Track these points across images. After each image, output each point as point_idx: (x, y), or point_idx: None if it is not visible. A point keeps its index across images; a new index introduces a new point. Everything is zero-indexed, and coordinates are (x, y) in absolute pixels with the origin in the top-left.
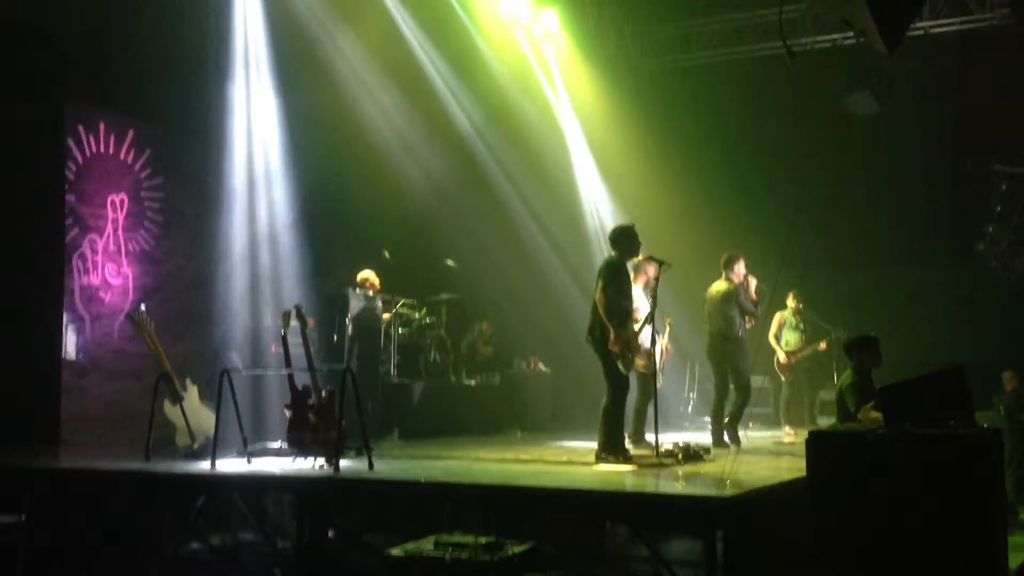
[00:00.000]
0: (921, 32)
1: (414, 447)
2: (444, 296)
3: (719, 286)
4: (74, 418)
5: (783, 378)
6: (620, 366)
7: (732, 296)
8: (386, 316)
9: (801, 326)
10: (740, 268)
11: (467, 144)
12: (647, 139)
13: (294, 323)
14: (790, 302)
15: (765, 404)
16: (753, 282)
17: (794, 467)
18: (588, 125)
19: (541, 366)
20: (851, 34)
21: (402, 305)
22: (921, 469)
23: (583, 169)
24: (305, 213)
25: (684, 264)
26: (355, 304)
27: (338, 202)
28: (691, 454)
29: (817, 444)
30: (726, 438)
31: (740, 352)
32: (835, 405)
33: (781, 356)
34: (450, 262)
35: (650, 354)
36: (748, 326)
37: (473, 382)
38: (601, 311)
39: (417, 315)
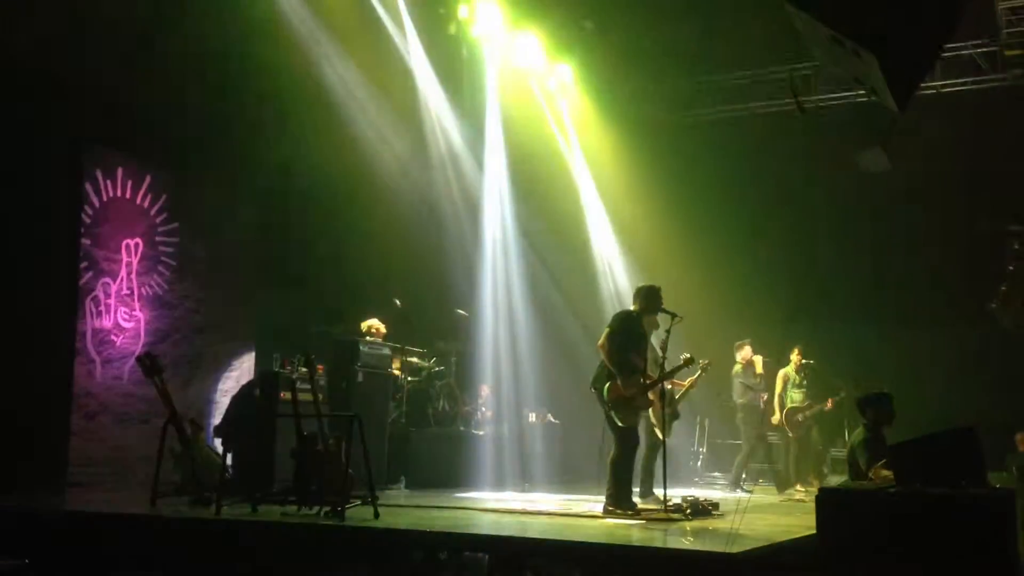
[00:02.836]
0: (934, 92)
1: (421, 496)
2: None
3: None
4: (82, 460)
5: (790, 434)
6: (615, 418)
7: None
8: (396, 366)
9: (805, 383)
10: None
11: (480, 194)
12: (660, 193)
13: (303, 370)
14: (794, 357)
15: (775, 461)
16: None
17: (804, 524)
18: (601, 178)
19: (551, 417)
20: (863, 91)
21: (411, 356)
22: (933, 529)
23: (596, 221)
24: (314, 260)
25: (695, 317)
26: (363, 352)
27: (349, 249)
28: (700, 509)
29: (828, 501)
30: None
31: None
32: (846, 463)
33: (775, 417)
34: (461, 311)
35: (661, 407)
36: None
37: (482, 432)
38: (603, 356)
39: (426, 364)
